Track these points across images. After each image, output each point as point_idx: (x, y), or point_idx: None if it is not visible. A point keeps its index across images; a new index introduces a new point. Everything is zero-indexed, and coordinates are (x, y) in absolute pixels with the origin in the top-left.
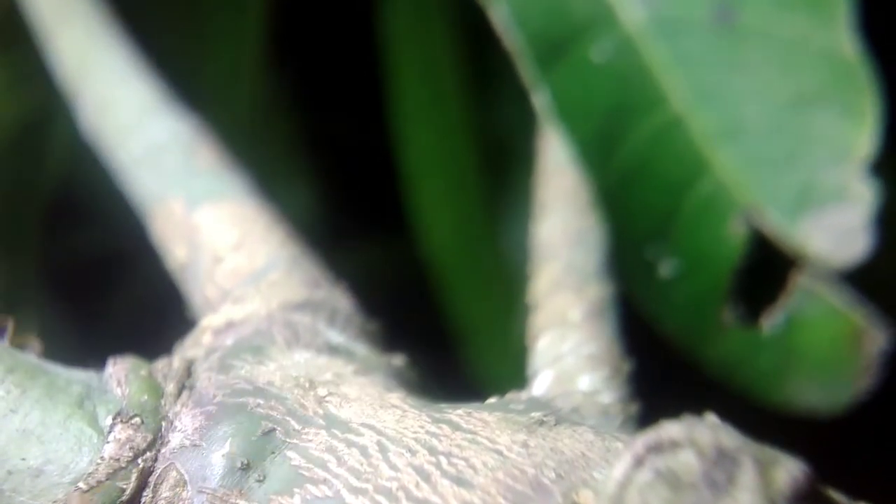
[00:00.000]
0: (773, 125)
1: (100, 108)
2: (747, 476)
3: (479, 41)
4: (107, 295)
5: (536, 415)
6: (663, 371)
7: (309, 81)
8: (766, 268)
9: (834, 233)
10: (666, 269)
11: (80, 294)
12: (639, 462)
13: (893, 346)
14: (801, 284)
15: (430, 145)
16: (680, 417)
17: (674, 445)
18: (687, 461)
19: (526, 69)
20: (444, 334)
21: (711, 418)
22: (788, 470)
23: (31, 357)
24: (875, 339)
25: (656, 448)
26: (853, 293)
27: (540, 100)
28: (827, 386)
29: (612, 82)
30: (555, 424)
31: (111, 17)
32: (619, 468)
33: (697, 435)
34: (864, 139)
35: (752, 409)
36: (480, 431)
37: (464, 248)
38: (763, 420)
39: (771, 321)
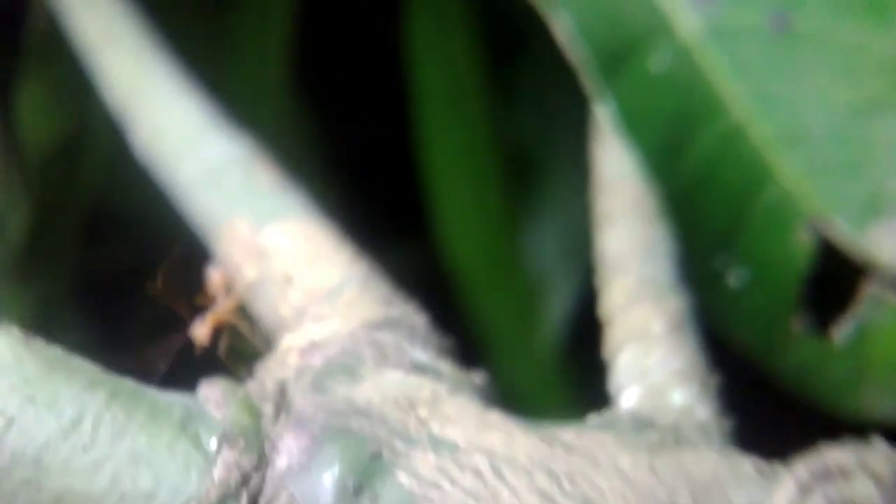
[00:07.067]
0: (835, 132)
1: (154, 131)
2: None
3: (502, 52)
4: (140, 308)
5: (654, 435)
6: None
7: (332, 93)
8: (836, 276)
9: None
10: (735, 278)
11: (113, 307)
12: (805, 489)
13: None
14: (870, 293)
15: (452, 154)
16: (841, 442)
17: (844, 472)
18: (864, 490)
19: (590, 80)
20: (466, 342)
21: (880, 444)
22: None
23: (128, 381)
24: None
25: (824, 475)
26: None
27: (604, 111)
28: None
29: (672, 92)
30: (675, 445)
31: (155, 35)
32: (782, 495)
33: (871, 461)
34: None
35: (816, 417)
36: (598, 452)
37: (486, 256)
38: (827, 429)
39: (841, 331)
